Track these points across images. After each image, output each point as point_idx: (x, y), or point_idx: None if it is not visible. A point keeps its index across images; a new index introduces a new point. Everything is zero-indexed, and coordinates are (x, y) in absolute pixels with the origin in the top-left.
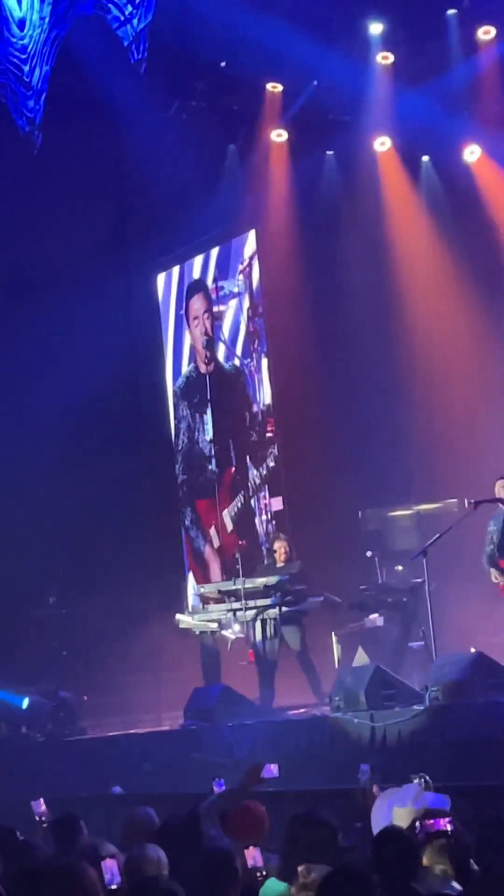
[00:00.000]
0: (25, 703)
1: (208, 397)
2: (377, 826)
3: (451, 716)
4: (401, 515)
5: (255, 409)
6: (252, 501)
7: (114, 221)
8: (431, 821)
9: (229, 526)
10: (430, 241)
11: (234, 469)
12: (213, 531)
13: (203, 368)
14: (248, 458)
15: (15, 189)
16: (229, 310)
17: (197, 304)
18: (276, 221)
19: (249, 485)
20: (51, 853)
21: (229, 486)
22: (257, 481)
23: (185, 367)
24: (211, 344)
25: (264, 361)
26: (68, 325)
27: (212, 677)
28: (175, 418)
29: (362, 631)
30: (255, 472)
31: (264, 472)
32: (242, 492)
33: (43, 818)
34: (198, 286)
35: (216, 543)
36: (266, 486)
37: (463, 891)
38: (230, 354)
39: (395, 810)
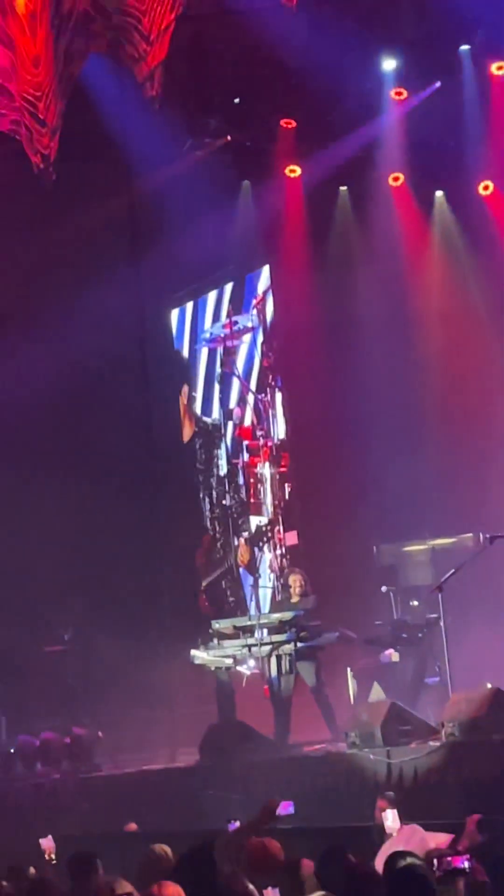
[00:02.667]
0: None
1: (222, 432)
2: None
3: (467, 752)
4: (416, 550)
5: (269, 443)
6: (265, 535)
7: (127, 257)
8: (449, 858)
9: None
10: (443, 275)
11: (245, 505)
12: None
13: (217, 403)
14: (263, 494)
15: (29, 225)
16: (243, 344)
17: (209, 354)
18: (290, 256)
19: (263, 521)
20: (66, 890)
21: (238, 523)
22: (273, 518)
23: (201, 389)
24: (225, 378)
25: (279, 396)
26: (81, 360)
27: (227, 713)
28: (190, 447)
29: (378, 666)
30: (269, 507)
31: (280, 509)
32: (257, 526)
33: (51, 855)
34: (215, 318)
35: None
36: (281, 522)
37: None
38: (244, 387)
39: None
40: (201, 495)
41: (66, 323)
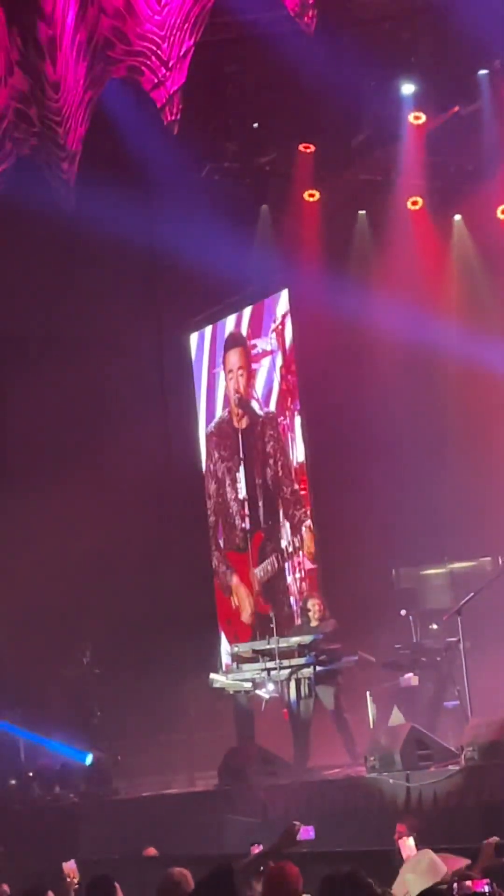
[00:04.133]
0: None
1: (241, 454)
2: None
3: (487, 776)
4: (434, 574)
5: (289, 466)
6: (286, 563)
7: (146, 281)
8: (469, 883)
9: (257, 587)
10: (462, 299)
11: (266, 532)
12: (243, 590)
13: (237, 423)
14: (287, 521)
15: (49, 249)
16: (262, 368)
17: (234, 357)
18: (309, 280)
19: (283, 545)
20: None
21: (259, 547)
22: (293, 541)
23: (219, 413)
24: (244, 402)
25: (297, 419)
26: (100, 383)
27: (246, 737)
28: (207, 468)
29: (397, 690)
30: (293, 537)
31: (304, 538)
32: (275, 554)
33: (75, 880)
34: (236, 340)
35: (245, 604)
36: (305, 551)
37: None
38: (264, 411)
39: (407, 877)
40: (216, 518)
41: (85, 346)
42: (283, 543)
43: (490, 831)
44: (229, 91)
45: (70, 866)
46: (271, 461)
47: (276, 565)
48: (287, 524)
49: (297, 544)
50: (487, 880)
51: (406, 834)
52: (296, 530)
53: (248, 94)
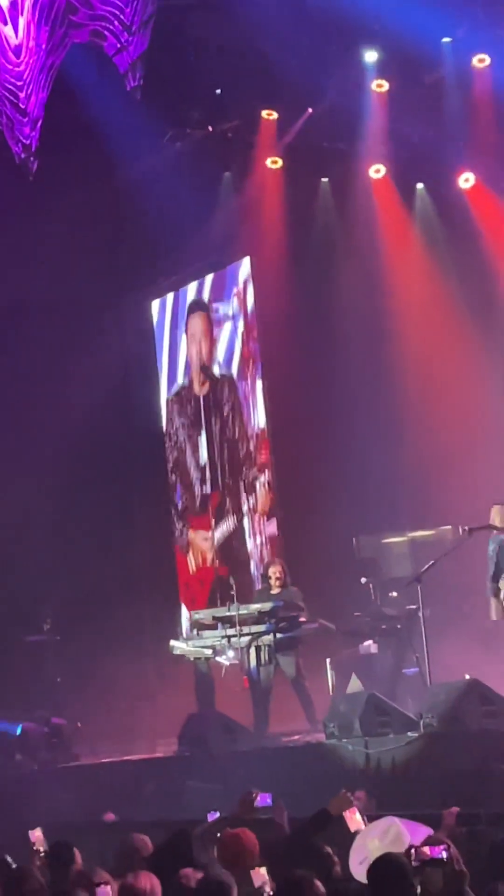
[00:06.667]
0: (19, 729)
1: (202, 419)
2: (355, 858)
3: (446, 743)
4: (395, 542)
5: (249, 431)
6: (245, 524)
7: (108, 247)
8: (427, 848)
9: (215, 548)
10: (424, 267)
11: (222, 493)
12: (202, 552)
13: (198, 390)
14: (242, 482)
15: (10, 215)
16: (224, 332)
17: (195, 323)
18: (271, 248)
19: (241, 507)
20: (45, 881)
21: (216, 508)
22: (252, 505)
23: (181, 378)
24: (206, 367)
25: (259, 384)
26: (62, 349)
27: (206, 704)
28: (168, 433)
29: (357, 657)
30: (248, 496)
31: (259, 496)
32: (232, 515)
33: (40, 848)
34: (199, 305)
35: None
36: (260, 510)
37: None
38: (225, 376)
39: (370, 844)
40: (176, 481)
41: (47, 312)
42: (242, 506)
43: (448, 798)
44: (192, 57)
45: (37, 835)
46: (231, 425)
47: (234, 526)
48: (245, 486)
49: (252, 504)
50: (444, 846)
51: (355, 807)
52: (252, 490)
53: (211, 60)
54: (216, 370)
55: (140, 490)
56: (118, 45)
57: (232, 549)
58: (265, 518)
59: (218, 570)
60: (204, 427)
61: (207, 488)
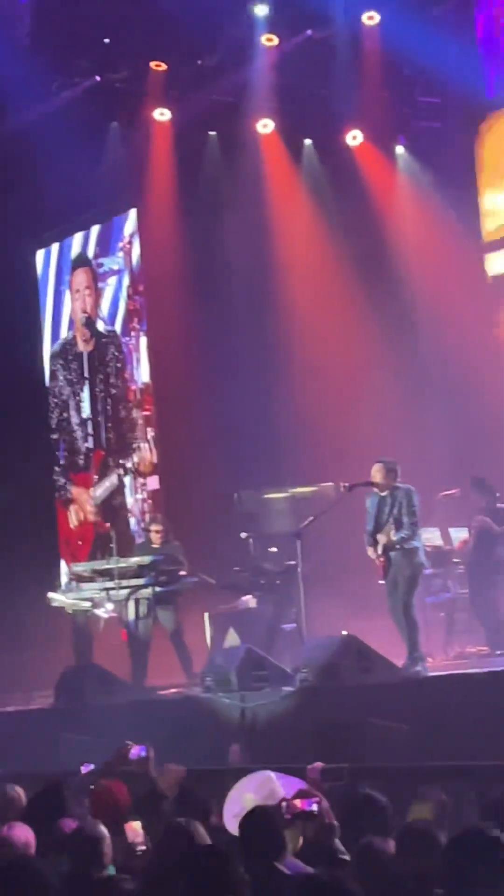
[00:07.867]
0: None
1: (85, 375)
2: (229, 811)
3: (321, 698)
4: (276, 498)
5: (132, 387)
6: (127, 480)
7: None
8: (299, 801)
9: (97, 504)
10: (310, 223)
11: (105, 449)
12: (83, 508)
13: (81, 346)
14: (124, 438)
15: None
16: (108, 287)
17: (80, 277)
18: (158, 201)
19: (124, 463)
20: None
21: (99, 465)
22: (135, 461)
23: (64, 333)
24: (90, 322)
25: (143, 340)
26: None
27: (83, 656)
28: (51, 388)
29: (235, 612)
30: (131, 452)
31: (142, 453)
32: (116, 471)
33: None
34: (82, 260)
35: (89, 519)
36: (142, 466)
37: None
38: (109, 331)
39: (245, 797)
40: (59, 437)
41: None
42: (124, 462)
43: (322, 751)
44: (82, 5)
45: None
46: (114, 381)
47: (117, 482)
48: (128, 443)
49: (135, 460)
50: (316, 798)
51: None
52: (135, 448)
53: (100, 9)
54: (100, 326)
55: (22, 443)
56: None
57: (114, 505)
58: (147, 474)
59: (99, 526)
60: (87, 383)
61: (90, 444)
